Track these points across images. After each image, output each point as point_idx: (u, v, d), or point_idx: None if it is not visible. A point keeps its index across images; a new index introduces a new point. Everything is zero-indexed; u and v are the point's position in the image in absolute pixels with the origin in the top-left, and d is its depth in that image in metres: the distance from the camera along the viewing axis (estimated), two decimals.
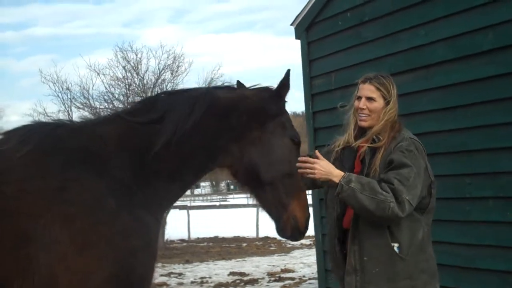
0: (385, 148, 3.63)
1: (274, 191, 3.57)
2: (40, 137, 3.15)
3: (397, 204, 3.40)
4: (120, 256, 3.01)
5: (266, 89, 3.65)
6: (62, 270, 2.90)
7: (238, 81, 3.83)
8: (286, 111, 3.69)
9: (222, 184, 76.39)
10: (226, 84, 3.80)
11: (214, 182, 70.46)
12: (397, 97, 3.76)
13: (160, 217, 3.38)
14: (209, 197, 63.97)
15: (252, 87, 3.68)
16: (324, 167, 3.49)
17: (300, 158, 3.55)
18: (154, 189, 3.25)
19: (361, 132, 3.82)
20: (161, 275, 13.12)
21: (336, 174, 3.49)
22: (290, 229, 3.63)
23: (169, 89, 19.99)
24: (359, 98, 3.76)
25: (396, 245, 3.55)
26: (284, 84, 3.64)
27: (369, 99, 3.72)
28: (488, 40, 5.86)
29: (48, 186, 2.98)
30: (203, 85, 20.67)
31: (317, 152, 3.59)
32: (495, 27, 5.80)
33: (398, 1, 6.89)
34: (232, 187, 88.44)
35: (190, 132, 3.31)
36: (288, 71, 3.65)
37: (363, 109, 3.72)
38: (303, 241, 19.84)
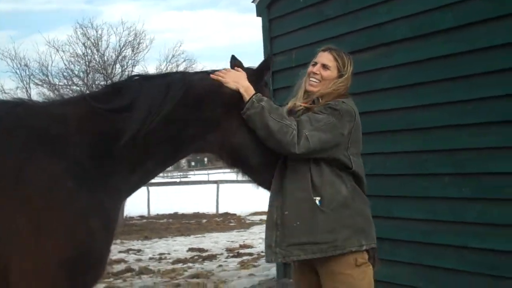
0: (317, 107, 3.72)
1: (265, 171, 3.64)
2: None
3: (297, 135, 3.48)
4: (78, 238, 2.94)
5: (246, 72, 3.61)
6: (16, 251, 2.84)
7: (232, 56, 3.78)
8: (266, 90, 3.69)
9: (183, 161, 76.19)
10: (200, 70, 3.75)
11: None
12: (351, 76, 3.83)
13: (119, 202, 3.31)
14: (169, 174, 63.79)
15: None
16: (236, 77, 3.58)
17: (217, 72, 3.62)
18: (114, 175, 3.17)
19: (307, 97, 3.88)
20: (120, 252, 13.08)
21: (246, 86, 3.56)
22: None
23: (130, 66, 19.80)
24: (315, 64, 3.85)
25: (318, 198, 3.59)
26: (264, 67, 3.67)
27: (324, 66, 3.81)
28: (448, 18, 5.93)
29: (4, 166, 2.90)
30: (164, 62, 20.59)
31: (236, 67, 3.69)
32: (454, 6, 5.87)
33: None
34: (193, 163, 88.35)
35: (160, 123, 3.24)
36: (270, 57, 3.68)
37: (316, 74, 3.81)
38: (262, 217, 19.95)
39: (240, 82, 3.55)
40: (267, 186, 3.73)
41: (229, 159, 3.60)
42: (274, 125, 3.46)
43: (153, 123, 3.20)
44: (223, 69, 3.67)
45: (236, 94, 3.50)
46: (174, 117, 3.28)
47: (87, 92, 3.41)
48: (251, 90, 3.55)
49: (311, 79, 3.82)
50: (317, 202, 3.59)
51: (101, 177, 3.11)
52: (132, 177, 3.29)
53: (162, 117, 3.22)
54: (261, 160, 3.58)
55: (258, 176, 3.70)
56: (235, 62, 3.74)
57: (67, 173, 2.98)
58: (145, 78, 3.40)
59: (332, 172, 3.64)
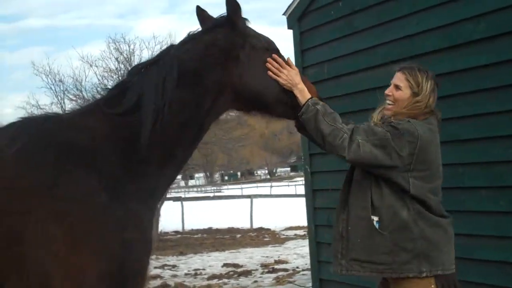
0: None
1: (284, 104, 3.57)
2: (29, 133, 3.08)
3: (349, 140, 3.45)
4: (114, 251, 2.95)
5: (219, 26, 3.42)
6: (55, 267, 2.84)
7: (197, 6, 3.58)
8: (247, 28, 3.49)
9: (216, 175, 76.54)
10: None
11: (208, 173, 70.54)
12: (432, 93, 3.74)
13: (154, 206, 3.32)
14: (203, 188, 64.10)
15: (205, 28, 3.45)
16: (292, 76, 3.52)
17: (274, 56, 3.52)
18: (144, 178, 3.18)
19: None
20: (155, 267, 13.12)
21: (301, 88, 3.53)
22: None
23: None
24: (390, 85, 3.82)
25: (375, 218, 3.58)
26: (233, 8, 3.40)
27: (396, 87, 3.75)
28: (479, 29, 5.83)
29: (39, 182, 2.92)
30: None
31: (289, 60, 3.61)
32: (486, 16, 5.77)
33: None
34: (226, 178, 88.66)
35: (170, 112, 3.20)
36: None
37: (389, 95, 3.77)
38: (296, 231, 19.92)
39: (294, 83, 3.52)
40: (289, 116, 3.67)
41: (247, 105, 3.53)
42: (326, 128, 3.47)
43: (164, 113, 3.17)
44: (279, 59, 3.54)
45: (226, 45, 3.35)
46: (181, 98, 3.24)
47: (99, 97, 3.35)
48: (306, 93, 3.54)
49: (386, 102, 3.79)
50: (375, 223, 3.59)
51: (132, 184, 3.11)
52: (164, 172, 3.29)
53: (169, 104, 3.19)
54: (275, 96, 3.50)
55: (277, 112, 3.62)
56: (201, 13, 3.55)
57: (99, 186, 2.99)
58: (140, 72, 3.32)
59: (393, 194, 3.59)
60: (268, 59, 3.48)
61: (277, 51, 3.56)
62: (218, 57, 3.34)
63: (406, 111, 3.69)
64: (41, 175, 2.94)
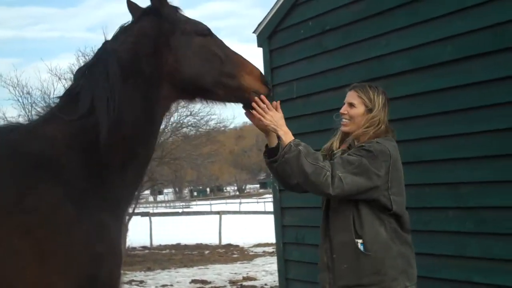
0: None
1: (225, 87, 3.42)
2: None
3: (331, 176, 3.52)
4: (83, 265, 2.88)
5: (145, 14, 3.35)
6: (22, 283, 2.77)
7: (127, 1, 3.48)
8: (175, 11, 3.41)
9: (186, 191, 76.18)
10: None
11: (177, 189, 70.20)
12: (384, 107, 3.88)
13: (121, 215, 3.25)
14: (172, 204, 63.73)
15: (134, 19, 3.38)
16: (275, 118, 3.59)
17: (262, 97, 3.51)
18: (109, 185, 3.11)
19: (345, 135, 3.99)
20: (122, 283, 12.96)
21: (285, 131, 3.62)
22: (253, 98, 3.54)
23: None
24: (344, 105, 3.94)
25: (359, 241, 3.66)
26: (153, 3, 3.34)
27: (350, 104, 3.89)
28: (447, 51, 5.91)
29: (4, 196, 2.85)
30: None
31: (277, 103, 3.65)
32: (453, 39, 5.86)
33: (359, 11, 6.93)
34: (195, 193, 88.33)
35: (122, 110, 3.12)
36: None
37: (344, 114, 3.89)
38: (265, 248, 19.88)
39: (279, 125, 3.61)
40: (232, 99, 3.56)
41: (189, 92, 3.43)
42: (308, 167, 3.52)
43: (115, 109, 3.09)
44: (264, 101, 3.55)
45: (154, 32, 3.27)
46: (128, 93, 3.16)
47: (53, 105, 3.26)
48: (290, 136, 3.63)
49: (342, 119, 3.91)
50: (360, 245, 3.66)
51: (98, 193, 3.04)
52: (128, 176, 3.21)
53: (119, 101, 3.11)
54: (214, 79, 3.38)
55: (219, 96, 3.48)
56: (131, 5, 3.47)
57: (65, 198, 2.92)
58: (87, 74, 3.22)
59: (372, 214, 3.70)
60: (255, 98, 3.49)
61: (210, 34, 3.46)
62: (149, 46, 3.25)
63: (365, 129, 3.81)
64: (6, 188, 2.87)
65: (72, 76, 3.44)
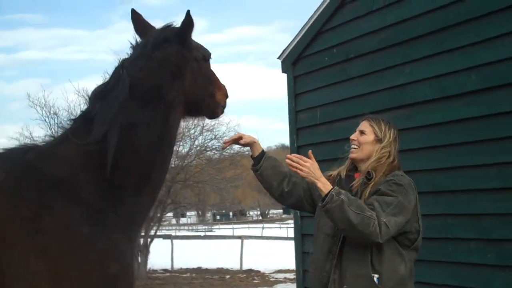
0: (375, 183, 3.75)
1: (208, 104, 3.55)
2: (11, 165, 3.06)
3: (378, 225, 3.51)
4: (97, 286, 2.90)
5: (168, 41, 3.36)
6: None
7: (132, 9, 3.53)
8: (191, 39, 3.49)
9: (208, 214, 76.07)
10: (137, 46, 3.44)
11: (200, 212, 70.19)
12: (394, 141, 3.91)
13: (135, 235, 3.27)
14: (194, 227, 63.71)
15: (153, 43, 3.36)
16: (313, 170, 3.63)
17: (293, 155, 3.70)
18: (123, 207, 3.13)
19: (354, 165, 4.00)
20: None
21: (323, 182, 3.63)
22: (221, 112, 3.66)
23: None
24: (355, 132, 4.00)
25: (376, 276, 3.60)
26: (188, 25, 3.38)
27: (361, 132, 3.93)
28: (471, 80, 5.87)
29: (21, 215, 2.88)
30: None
31: (310, 152, 3.70)
32: (478, 68, 5.82)
33: (384, 39, 6.92)
34: (218, 217, 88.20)
35: (138, 134, 3.17)
36: (188, 11, 3.37)
37: (353, 140, 3.93)
38: (286, 275, 19.71)
39: (317, 177, 3.63)
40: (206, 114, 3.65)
41: (189, 112, 3.52)
42: (355, 218, 3.50)
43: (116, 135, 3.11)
44: (296, 156, 3.71)
45: (178, 60, 3.34)
46: (146, 117, 3.19)
47: (67, 128, 3.27)
48: (329, 184, 3.63)
49: (351, 146, 3.94)
50: (375, 279, 3.60)
51: (112, 214, 3.06)
52: (141, 198, 3.23)
53: (135, 126, 3.15)
54: (209, 100, 3.52)
55: (200, 113, 3.62)
56: (137, 16, 3.51)
57: (81, 219, 2.95)
58: (102, 98, 3.25)
59: (394, 250, 3.69)
60: (288, 155, 3.71)
61: (209, 58, 3.60)
62: (173, 73, 3.31)
63: (378, 160, 3.84)
64: (23, 208, 2.89)
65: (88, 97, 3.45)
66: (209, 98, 3.52)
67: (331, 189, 3.58)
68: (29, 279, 2.79)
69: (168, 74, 3.29)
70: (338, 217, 3.54)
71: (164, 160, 3.35)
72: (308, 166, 3.62)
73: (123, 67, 3.29)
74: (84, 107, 3.44)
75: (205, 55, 3.53)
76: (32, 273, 2.79)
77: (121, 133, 3.12)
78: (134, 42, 3.44)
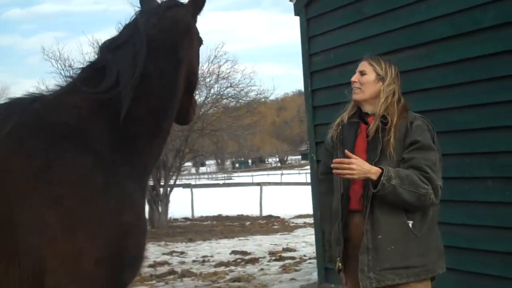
0: (397, 127, 3.67)
1: (191, 96, 3.63)
2: (19, 114, 3.02)
3: (434, 193, 3.52)
4: (113, 235, 2.90)
5: (179, 6, 3.49)
6: (50, 253, 2.79)
7: None
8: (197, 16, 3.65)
9: (227, 163, 76.68)
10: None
11: (219, 161, 70.73)
12: (396, 77, 3.82)
13: (146, 184, 3.29)
14: (213, 176, 64.25)
15: (165, 5, 3.47)
16: (360, 166, 3.52)
17: (335, 160, 3.57)
18: (136, 156, 3.14)
19: (357, 108, 3.89)
20: (163, 254, 13.15)
21: (374, 171, 3.52)
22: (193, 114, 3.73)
23: None
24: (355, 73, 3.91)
25: (411, 222, 3.59)
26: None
27: (361, 72, 3.84)
28: (488, 16, 5.72)
29: (32, 165, 2.86)
30: (206, 63, 20.45)
31: (347, 152, 3.58)
32: (495, 4, 5.67)
33: None
34: (237, 165, 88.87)
35: (151, 84, 3.21)
36: None
37: (355, 81, 3.84)
38: (306, 219, 19.88)
39: (367, 171, 3.52)
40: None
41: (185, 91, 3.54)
42: (410, 197, 3.50)
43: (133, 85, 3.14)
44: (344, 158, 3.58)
45: (188, 22, 3.46)
46: (159, 68, 3.25)
47: (75, 77, 3.30)
48: (376, 170, 3.52)
49: (353, 89, 3.85)
50: (410, 225, 3.60)
51: (125, 163, 3.06)
52: (153, 147, 3.28)
53: (148, 76, 3.19)
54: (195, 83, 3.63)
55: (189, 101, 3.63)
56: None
57: (94, 167, 2.93)
58: (117, 48, 3.28)
59: None
60: (333, 165, 3.54)
61: (201, 44, 3.66)
62: (184, 32, 3.40)
63: (384, 98, 3.76)
64: (34, 159, 2.87)
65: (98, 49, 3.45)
66: (194, 76, 3.55)
67: (381, 175, 3.50)
68: (41, 231, 2.79)
69: (179, 32, 3.37)
70: (392, 199, 3.53)
71: (173, 111, 3.38)
72: (354, 168, 3.50)
73: (137, 23, 3.33)
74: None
75: (201, 39, 3.63)
76: (45, 224, 2.79)
77: (134, 82, 3.14)
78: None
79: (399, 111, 3.72)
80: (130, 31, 3.32)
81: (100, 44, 3.42)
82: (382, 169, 3.51)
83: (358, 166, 3.50)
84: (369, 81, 3.79)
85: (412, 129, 3.63)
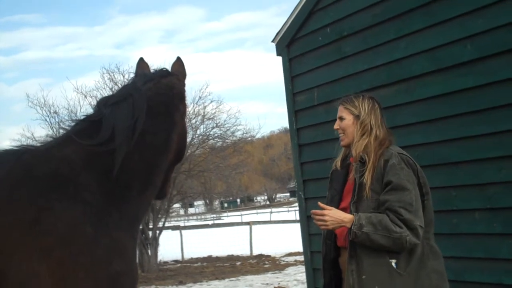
0: (374, 166, 3.69)
1: (172, 170, 3.77)
2: (8, 166, 3.03)
3: (411, 233, 3.52)
4: (104, 284, 2.90)
5: (171, 75, 3.68)
6: None
7: (140, 58, 3.82)
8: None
9: (216, 203, 76.23)
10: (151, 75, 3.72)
11: (207, 201, 70.35)
12: (372, 111, 3.89)
13: (136, 234, 3.30)
14: (203, 216, 63.91)
15: (159, 74, 3.67)
16: (333, 216, 3.61)
17: (312, 211, 3.70)
18: (126, 205, 3.17)
19: (349, 151, 3.99)
20: None
21: (347, 220, 3.60)
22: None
23: None
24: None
25: (394, 261, 3.58)
26: (184, 70, 3.81)
27: (340, 118, 3.95)
28: (466, 51, 5.82)
29: (21, 219, 2.85)
30: (192, 104, 20.54)
31: (319, 203, 3.69)
32: (473, 38, 5.77)
33: (377, 14, 6.86)
34: (225, 205, 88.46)
35: (145, 138, 3.33)
36: (178, 57, 3.79)
37: (337, 128, 3.97)
38: (297, 257, 19.77)
39: (340, 221, 3.61)
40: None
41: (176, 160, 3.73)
42: (386, 242, 3.54)
43: (134, 140, 3.27)
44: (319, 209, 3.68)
45: (181, 90, 3.65)
46: (154, 125, 3.39)
47: (69, 129, 3.39)
48: (349, 219, 3.59)
49: (339, 135, 3.98)
50: (394, 264, 3.59)
51: (116, 212, 3.08)
52: (144, 198, 3.34)
53: (143, 131, 3.32)
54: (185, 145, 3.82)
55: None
56: (142, 64, 3.78)
57: (83, 218, 2.94)
58: (112, 104, 3.41)
59: None
60: (312, 211, 3.70)
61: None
62: (179, 97, 3.63)
63: (361, 137, 3.82)
64: (23, 211, 2.86)
65: (96, 101, 3.61)
66: (182, 150, 3.74)
67: (352, 224, 3.57)
68: (33, 283, 2.78)
69: (174, 96, 3.58)
70: (370, 245, 3.57)
71: (162, 168, 3.48)
72: (328, 218, 3.61)
73: (136, 83, 3.53)
74: (83, 103, 3.61)
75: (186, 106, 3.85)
76: (34, 276, 2.78)
77: (128, 135, 3.25)
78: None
79: (375, 149, 3.75)
80: (128, 90, 3.47)
81: (97, 100, 3.58)
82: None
83: (331, 218, 3.59)
84: (348, 125, 3.89)
85: (386, 169, 3.65)
